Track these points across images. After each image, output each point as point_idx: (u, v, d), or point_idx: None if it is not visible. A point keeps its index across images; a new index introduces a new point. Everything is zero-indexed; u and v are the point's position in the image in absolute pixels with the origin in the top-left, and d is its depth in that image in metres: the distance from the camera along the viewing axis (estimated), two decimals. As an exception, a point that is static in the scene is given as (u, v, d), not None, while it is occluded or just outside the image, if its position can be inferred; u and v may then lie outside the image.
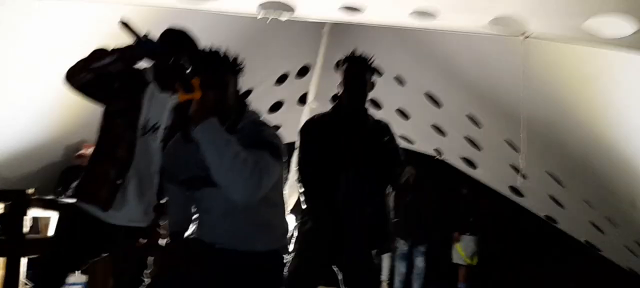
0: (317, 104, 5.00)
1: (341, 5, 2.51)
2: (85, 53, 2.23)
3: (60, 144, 4.60)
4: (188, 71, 1.99)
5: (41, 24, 3.22)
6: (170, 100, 2.33)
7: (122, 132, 2.25)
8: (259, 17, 2.47)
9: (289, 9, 2.51)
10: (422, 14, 2.41)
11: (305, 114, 4.71)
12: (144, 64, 2.38)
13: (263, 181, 1.79)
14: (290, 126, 5.76)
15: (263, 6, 2.47)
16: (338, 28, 5.03)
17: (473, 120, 4.95)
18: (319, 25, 4.88)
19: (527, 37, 2.35)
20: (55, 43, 3.35)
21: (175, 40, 2.34)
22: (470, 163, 5.48)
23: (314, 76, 4.86)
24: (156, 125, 2.31)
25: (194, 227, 2.06)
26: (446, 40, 3.82)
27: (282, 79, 5.79)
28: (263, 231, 1.97)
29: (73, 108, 4.09)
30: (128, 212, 2.29)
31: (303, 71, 5.75)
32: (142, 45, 2.20)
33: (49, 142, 4.36)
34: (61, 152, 4.73)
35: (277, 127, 6.14)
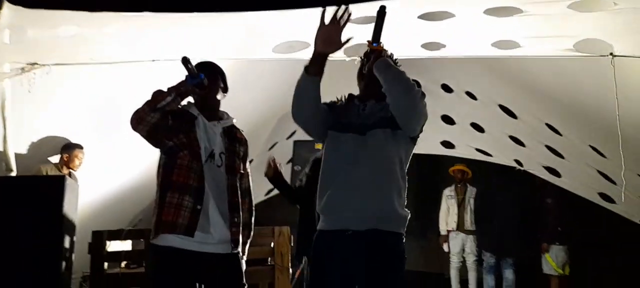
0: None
1: (423, 42, 2.61)
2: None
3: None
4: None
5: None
6: (218, 127, 2.50)
7: (189, 163, 2.37)
8: (348, 60, 2.61)
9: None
10: (505, 43, 2.46)
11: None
12: (186, 101, 2.55)
13: (424, 112, 2.16)
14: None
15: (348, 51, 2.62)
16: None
17: (552, 129, 4.85)
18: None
19: (614, 56, 2.35)
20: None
21: (212, 71, 2.55)
22: (553, 172, 5.35)
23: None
24: (213, 152, 2.45)
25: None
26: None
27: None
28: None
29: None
30: (217, 233, 2.39)
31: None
32: (191, 79, 2.39)
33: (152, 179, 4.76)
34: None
35: None
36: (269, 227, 3.93)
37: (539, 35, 2.37)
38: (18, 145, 3.80)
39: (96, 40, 3.34)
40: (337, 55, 2.66)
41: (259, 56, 3.47)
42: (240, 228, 2.47)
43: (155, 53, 3.45)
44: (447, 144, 5.79)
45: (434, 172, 7.03)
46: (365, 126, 2.11)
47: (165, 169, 2.41)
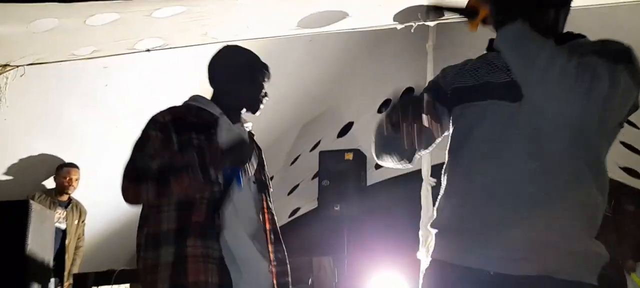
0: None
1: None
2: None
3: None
4: None
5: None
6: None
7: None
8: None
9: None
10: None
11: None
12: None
13: None
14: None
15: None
16: (443, 41, 4.41)
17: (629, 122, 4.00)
18: (422, 41, 4.30)
19: None
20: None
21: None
22: (632, 172, 4.50)
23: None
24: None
25: None
26: None
27: (385, 105, 5.25)
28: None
29: None
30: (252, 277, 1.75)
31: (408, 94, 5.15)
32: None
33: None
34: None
35: None
36: (305, 257, 3.17)
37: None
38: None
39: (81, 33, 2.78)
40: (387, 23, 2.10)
41: (280, 32, 2.78)
42: (288, 267, 1.84)
43: (150, 41, 2.85)
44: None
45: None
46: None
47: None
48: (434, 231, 1.28)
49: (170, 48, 2.87)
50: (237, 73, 1.78)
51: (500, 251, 1.12)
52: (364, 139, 5.31)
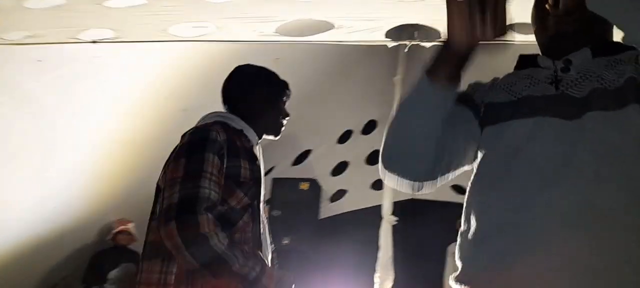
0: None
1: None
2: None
3: (93, 225, 3.98)
4: None
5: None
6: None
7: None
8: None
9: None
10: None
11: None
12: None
13: None
14: (357, 190, 4.98)
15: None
16: (411, 76, 4.29)
17: None
18: (390, 74, 4.17)
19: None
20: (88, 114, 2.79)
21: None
22: None
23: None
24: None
25: None
26: None
27: (345, 137, 5.04)
28: None
29: (109, 184, 3.52)
30: None
31: (369, 127, 4.99)
32: None
33: (82, 223, 3.75)
34: (94, 234, 4.12)
35: (342, 192, 5.48)
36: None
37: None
38: None
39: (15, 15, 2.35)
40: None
41: (254, 38, 2.48)
42: None
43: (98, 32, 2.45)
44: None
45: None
46: (586, 101, 0.95)
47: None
48: None
49: (122, 41, 2.49)
50: (265, 96, 1.65)
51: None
52: (320, 168, 5.05)
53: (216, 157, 1.39)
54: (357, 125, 5.04)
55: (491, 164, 1.00)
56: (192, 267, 1.33)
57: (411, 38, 2.49)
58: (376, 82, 4.54)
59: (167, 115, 3.21)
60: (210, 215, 1.32)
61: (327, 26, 2.35)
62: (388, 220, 3.77)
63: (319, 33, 2.36)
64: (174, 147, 1.50)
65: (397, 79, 4.30)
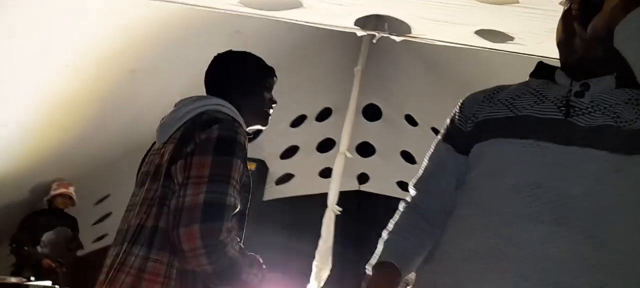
0: (351, 155, 4.13)
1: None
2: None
3: (24, 182, 3.73)
4: None
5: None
6: None
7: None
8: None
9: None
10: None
11: (338, 164, 3.83)
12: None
13: None
14: (304, 175, 4.95)
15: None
16: (371, 68, 4.28)
17: None
18: (351, 63, 4.13)
19: None
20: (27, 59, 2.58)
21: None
22: None
23: (347, 121, 4.02)
24: None
25: None
26: None
27: (298, 121, 4.98)
28: None
29: (43, 142, 3.30)
30: None
31: (324, 114, 4.95)
32: None
33: (10, 180, 3.51)
34: (25, 192, 3.86)
35: (289, 176, 5.46)
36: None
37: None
38: None
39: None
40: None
41: (214, 4, 2.33)
42: None
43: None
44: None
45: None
46: (591, 133, 0.90)
47: None
48: None
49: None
50: (256, 83, 1.58)
51: None
52: (270, 149, 4.97)
53: (242, 165, 1.33)
54: (312, 111, 4.99)
55: (471, 182, 0.99)
56: (201, 271, 1.28)
57: (381, 30, 2.44)
58: (336, 70, 4.50)
59: (112, 76, 3.04)
60: (230, 224, 1.28)
61: (296, 4, 2.28)
62: (332, 209, 3.77)
63: (286, 10, 2.27)
64: (176, 124, 1.38)
65: (358, 69, 4.28)
